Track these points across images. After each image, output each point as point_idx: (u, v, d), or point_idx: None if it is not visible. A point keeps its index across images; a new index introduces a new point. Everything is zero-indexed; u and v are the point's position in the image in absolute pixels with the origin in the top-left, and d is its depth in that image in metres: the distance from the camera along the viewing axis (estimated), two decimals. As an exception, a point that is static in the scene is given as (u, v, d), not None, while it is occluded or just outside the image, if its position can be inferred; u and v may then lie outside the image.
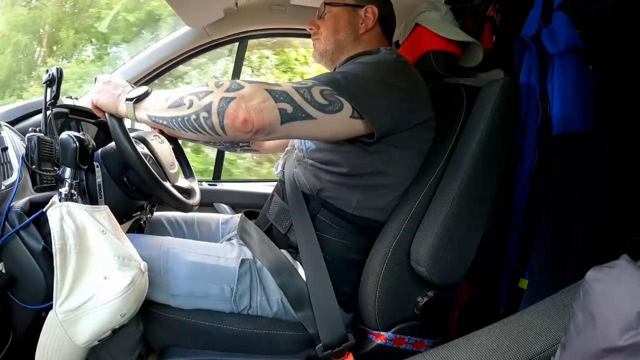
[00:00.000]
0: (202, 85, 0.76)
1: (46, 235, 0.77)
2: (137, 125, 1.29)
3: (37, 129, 0.94)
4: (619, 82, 1.10)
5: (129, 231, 1.21)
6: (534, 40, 1.09)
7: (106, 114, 0.89)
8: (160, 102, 0.79)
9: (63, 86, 1.00)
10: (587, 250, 1.01)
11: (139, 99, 0.82)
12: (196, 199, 1.23)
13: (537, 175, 1.09)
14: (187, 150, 1.97)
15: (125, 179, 1.06)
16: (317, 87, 0.77)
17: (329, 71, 1.08)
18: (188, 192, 1.27)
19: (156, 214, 1.28)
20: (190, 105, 0.74)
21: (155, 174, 0.99)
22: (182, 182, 1.27)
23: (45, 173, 0.95)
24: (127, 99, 0.83)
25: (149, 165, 0.98)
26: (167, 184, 1.07)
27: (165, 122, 0.78)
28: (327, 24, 1.05)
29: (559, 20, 1.03)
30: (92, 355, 0.80)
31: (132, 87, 0.96)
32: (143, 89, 0.83)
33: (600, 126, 1.03)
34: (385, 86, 0.83)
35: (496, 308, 1.14)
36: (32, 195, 0.87)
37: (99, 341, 0.76)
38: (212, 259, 0.95)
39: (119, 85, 0.88)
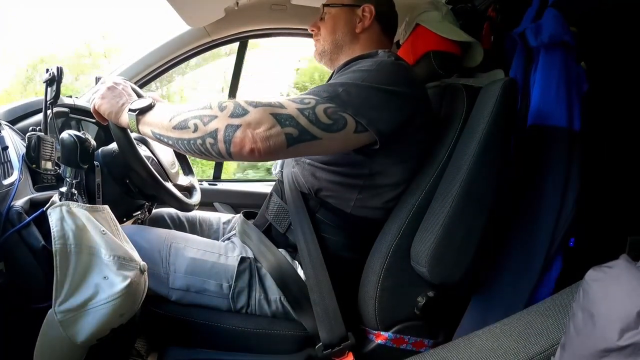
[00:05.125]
0: (205, 107, 0.75)
1: (46, 235, 0.77)
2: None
3: (38, 128, 0.94)
4: (612, 79, 1.10)
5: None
6: (520, 37, 1.10)
7: (110, 122, 0.89)
8: (164, 120, 0.77)
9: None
10: (558, 243, 1.02)
11: (143, 111, 0.81)
12: (197, 198, 1.23)
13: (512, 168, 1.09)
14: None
15: (128, 181, 1.06)
16: (320, 106, 0.76)
17: (329, 70, 1.09)
18: (189, 190, 1.27)
19: (158, 210, 1.28)
20: (195, 130, 0.73)
21: (158, 177, 1.00)
22: (182, 179, 1.28)
23: (45, 172, 0.94)
24: (130, 110, 0.82)
25: (152, 169, 0.98)
26: (169, 185, 1.07)
27: (170, 142, 0.78)
28: (326, 25, 1.06)
29: (547, 16, 1.03)
30: (90, 354, 0.80)
31: (137, 92, 0.96)
32: (147, 101, 0.82)
33: (589, 123, 1.03)
34: (385, 93, 0.82)
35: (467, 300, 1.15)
36: (32, 194, 0.86)
37: (97, 341, 0.76)
38: (213, 255, 0.96)
39: (124, 94, 0.87)
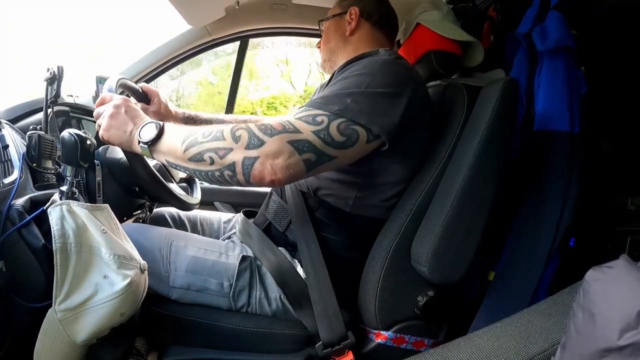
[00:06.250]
0: (218, 137, 0.74)
1: (46, 234, 0.77)
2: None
3: (38, 127, 0.94)
4: (611, 84, 1.10)
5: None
6: (525, 37, 1.10)
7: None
8: (177, 149, 0.76)
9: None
10: (558, 243, 1.03)
11: (153, 141, 0.79)
12: (197, 197, 1.24)
13: (517, 170, 1.10)
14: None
15: (137, 189, 1.07)
16: (333, 124, 0.77)
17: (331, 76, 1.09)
18: (188, 182, 1.27)
19: (159, 209, 1.28)
20: (212, 163, 0.73)
21: (164, 182, 1.00)
22: (181, 172, 1.28)
23: (46, 171, 0.94)
24: (141, 142, 0.79)
25: (158, 175, 0.98)
26: (173, 186, 1.07)
27: (188, 172, 0.78)
28: (323, 38, 1.14)
29: (552, 19, 1.03)
30: (89, 353, 0.80)
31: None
32: (154, 129, 0.79)
33: (588, 126, 1.04)
34: (391, 97, 0.83)
35: (460, 299, 1.16)
36: (32, 193, 0.86)
37: (97, 340, 0.76)
38: (213, 254, 0.96)
39: (128, 119, 0.83)
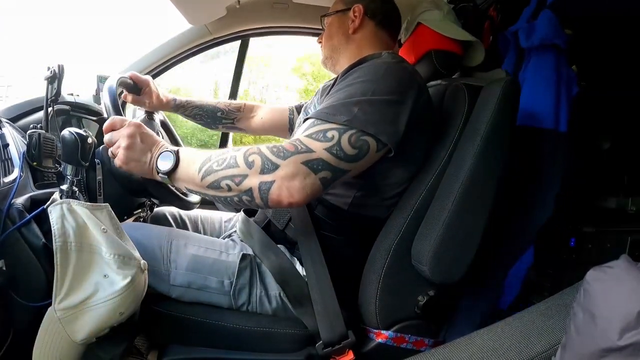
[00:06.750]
0: (231, 165, 0.75)
1: (47, 232, 0.77)
2: (138, 113, 1.31)
3: (39, 126, 0.94)
4: (611, 83, 1.10)
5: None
6: (513, 35, 1.11)
7: None
8: (195, 177, 0.78)
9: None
10: (536, 238, 1.03)
11: (172, 170, 0.80)
12: (198, 196, 1.24)
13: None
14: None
15: (138, 188, 1.07)
16: (344, 137, 0.77)
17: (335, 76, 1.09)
18: None
19: (160, 208, 1.28)
20: (230, 190, 0.75)
21: (171, 187, 1.00)
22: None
23: (46, 170, 0.94)
24: (161, 173, 0.81)
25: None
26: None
27: (208, 198, 0.80)
28: (325, 33, 1.13)
29: (542, 17, 1.03)
30: (89, 352, 0.80)
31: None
32: (171, 159, 0.80)
33: (584, 126, 1.04)
34: (397, 105, 0.83)
35: (461, 299, 1.16)
36: (33, 192, 0.86)
37: (97, 338, 0.76)
38: (214, 253, 0.96)
39: (146, 148, 0.82)
